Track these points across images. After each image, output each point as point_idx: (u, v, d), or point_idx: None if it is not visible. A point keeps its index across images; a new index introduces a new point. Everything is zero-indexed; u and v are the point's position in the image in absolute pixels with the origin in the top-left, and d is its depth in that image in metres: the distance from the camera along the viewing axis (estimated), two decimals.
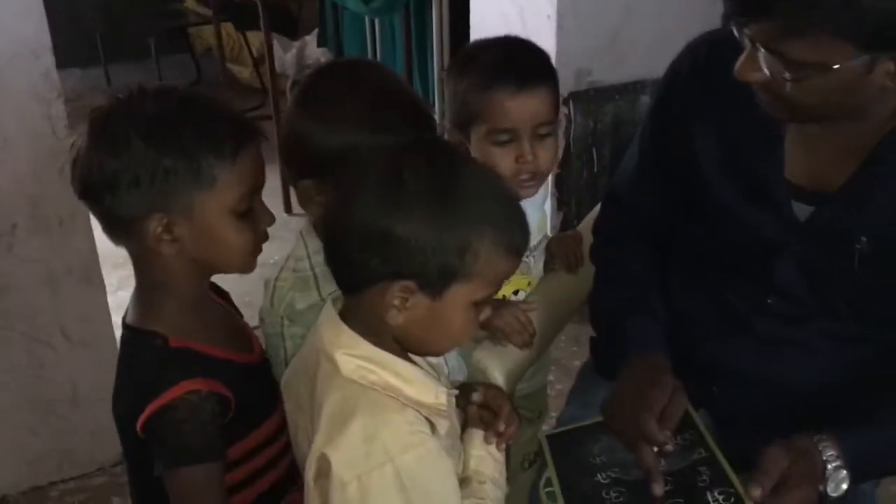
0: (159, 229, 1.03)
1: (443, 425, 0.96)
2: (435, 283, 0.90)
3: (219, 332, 1.13)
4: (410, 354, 1.01)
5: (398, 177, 0.89)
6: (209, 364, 1.07)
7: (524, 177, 1.37)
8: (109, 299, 2.14)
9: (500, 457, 1.07)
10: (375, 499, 0.90)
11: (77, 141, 1.04)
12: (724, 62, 1.08)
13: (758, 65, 1.01)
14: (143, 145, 0.99)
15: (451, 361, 1.31)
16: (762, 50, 0.99)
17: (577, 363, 1.65)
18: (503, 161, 1.34)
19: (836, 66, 0.95)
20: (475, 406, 1.09)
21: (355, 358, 0.95)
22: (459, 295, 0.92)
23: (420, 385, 0.97)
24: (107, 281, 2.12)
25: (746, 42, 1.01)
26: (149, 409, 1.02)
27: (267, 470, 1.15)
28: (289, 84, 4.73)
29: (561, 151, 2.56)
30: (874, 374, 1.22)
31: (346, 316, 0.98)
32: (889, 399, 1.16)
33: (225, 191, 1.03)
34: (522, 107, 1.32)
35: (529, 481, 1.24)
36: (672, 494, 1.06)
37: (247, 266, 1.12)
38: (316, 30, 4.63)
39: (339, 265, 0.96)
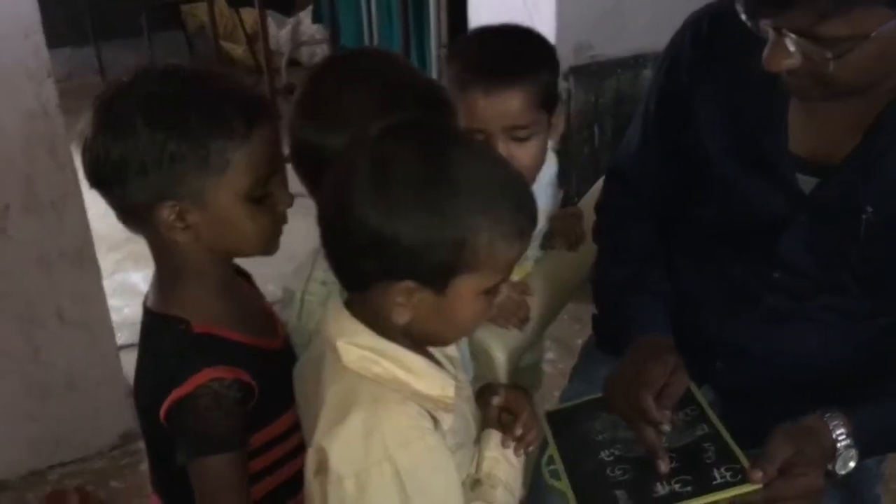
0: (171, 217, 0.99)
1: (446, 420, 0.93)
2: (435, 280, 0.86)
3: (243, 316, 1.09)
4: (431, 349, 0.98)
5: (383, 171, 0.84)
6: (233, 350, 1.04)
7: None
8: (105, 283, 2.12)
9: (517, 462, 1.03)
10: (373, 496, 0.87)
11: (83, 128, 1.00)
12: (726, 35, 1.06)
13: (788, 52, 0.98)
14: (148, 130, 0.95)
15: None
16: (791, 36, 0.96)
17: (579, 341, 1.64)
18: None
19: (874, 34, 0.93)
20: (496, 408, 1.06)
21: (358, 347, 0.92)
22: (466, 286, 0.87)
23: (427, 377, 0.93)
24: (102, 265, 2.10)
25: (769, 32, 0.98)
26: (171, 398, 0.99)
27: (289, 458, 1.12)
28: (283, 61, 4.70)
29: (562, 127, 2.53)
30: (880, 348, 1.22)
31: (352, 306, 0.94)
32: (893, 373, 1.15)
33: (237, 176, 0.99)
34: (490, 108, 1.29)
35: (532, 460, 1.22)
36: (678, 472, 1.05)
37: (268, 249, 1.08)
38: (311, 6, 4.58)
39: (336, 265, 0.92)
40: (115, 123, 0.97)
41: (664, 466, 1.06)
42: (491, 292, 0.90)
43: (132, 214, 1.02)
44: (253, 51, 4.72)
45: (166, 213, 0.99)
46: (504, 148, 1.30)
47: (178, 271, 1.05)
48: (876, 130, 1.07)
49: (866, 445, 1.07)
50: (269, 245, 1.08)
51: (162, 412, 1.01)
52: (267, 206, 1.03)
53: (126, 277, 2.94)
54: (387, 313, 0.89)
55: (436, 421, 0.92)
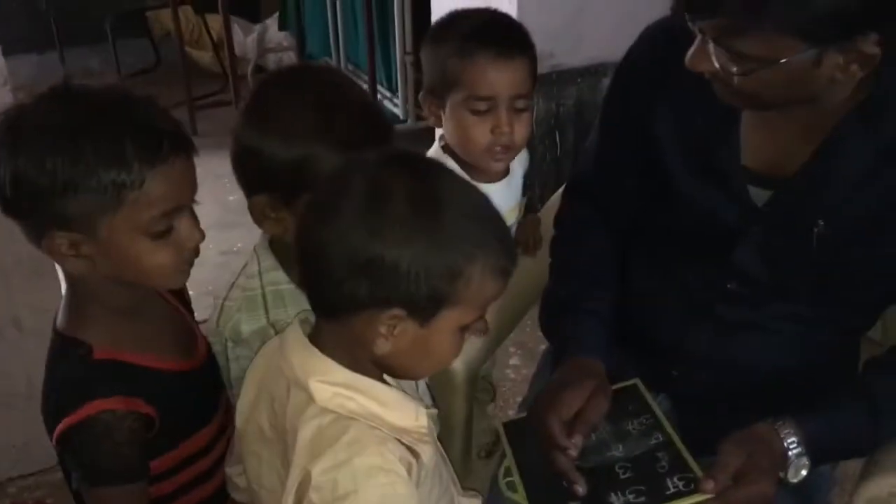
0: (63, 247, 0.95)
1: (426, 452, 0.93)
2: (424, 310, 0.86)
3: (152, 337, 1.06)
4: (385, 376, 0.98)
5: (383, 198, 0.84)
6: (135, 377, 1.01)
7: (498, 149, 1.35)
8: (64, 290, 2.09)
9: None
10: None
11: None
12: (680, 49, 1.08)
13: (707, 56, 1.00)
14: (43, 155, 0.90)
15: None
16: (712, 42, 0.99)
17: (543, 347, 1.64)
18: (479, 130, 1.33)
19: (783, 61, 0.95)
20: None
21: (331, 385, 0.90)
22: (448, 320, 0.88)
23: (400, 408, 0.93)
24: (60, 274, 2.07)
25: (698, 33, 1.01)
26: (62, 426, 0.97)
27: (199, 482, 1.10)
28: (250, 68, 4.67)
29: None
30: (832, 356, 1.24)
31: (318, 339, 0.93)
32: (847, 382, 1.17)
33: (134, 212, 0.93)
34: (503, 74, 1.30)
35: (489, 472, 1.22)
36: (632, 482, 1.06)
37: (172, 283, 1.04)
38: (277, 13, 4.57)
39: (318, 291, 0.90)
40: (13, 145, 0.92)
41: (581, 490, 1.05)
42: (465, 329, 0.91)
43: (31, 238, 0.98)
44: (219, 57, 4.68)
45: (58, 242, 0.95)
46: (507, 118, 1.32)
47: (83, 293, 1.02)
48: (829, 144, 1.08)
49: (818, 453, 1.08)
50: (171, 279, 1.03)
51: (54, 438, 0.98)
52: (171, 241, 0.99)
53: None
54: (367, 345, 0.88)
55: (416, 455, 0.91)
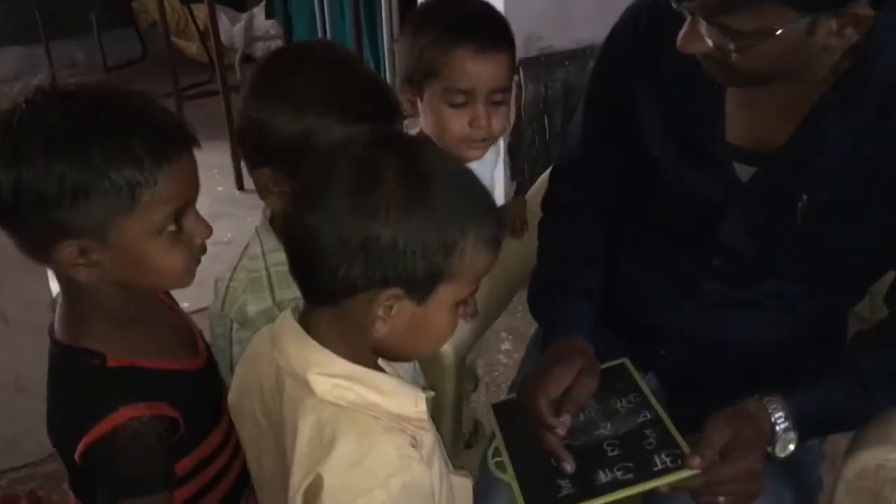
0: (73, 255, 0.91)
1: (427, 440, 0.93)
2: (422, 287, 0.86)
3: (159, 340, 1.04)
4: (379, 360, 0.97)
5: (374, 178, 0.83)
6: (152, 380, 0.98)
7: (474, 139, 1.35)
8: (52, 285, 2.09)
9: None
10: None
11: None
12: (664, 26, 1.07)
13: (700, 36, 0.99)
14: (47, 161, 0.86)
15: None
16: (703, 21, 0.98)
17: (534, 331, 1.65)
18: (456, 123, 1.32)
19: (779, 32, 0.94)
20: None
21: (330, 377, 0.89)
22: (444, 296, 0.88)
23: (399, 395, 0.92)
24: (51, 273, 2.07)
25: (686, 14, 1.00)
26: (86, 439, 0.92)
27: (219, 479, 1.08)
28: (237, 57, 4.65)
29: (513, 119, 2.54)
30: (819, 332, 1.24)
31: (312, 328, 0.92)
32: (833, 357, 1.17)
33: (147, 212, 0.91)
34: (482, 68, 1.30)
35: (479, 455, 1.23)
36: (620, 459, 1.06)
37: (182, 283, 1.00)
38: (263, 1, 4.54)
39: (310, 277, 0.88)
40: (10, 151, 0.87)
41: (569, 468, 1.05)
42: (460, 304, 0.91)
43: (32, 249, 0.93)
44: (206, 47, 4.66)
45: (67, 251, 0.91)
46: (485, 111, 1.32)
47: (87, 302, 0.98)
48: (810, 120, 1.08)
49: (805, 428, 1.08)
50: (183, 279, 1.00)
51: (77, 454, 0.94)
52: (181, 239, 0.96)
53: None
54: (363, 327, 0.88)
55: (416, 442, 0.91)
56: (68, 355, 0.98)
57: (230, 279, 1.16)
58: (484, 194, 0.92)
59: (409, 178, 0.84)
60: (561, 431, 1.07)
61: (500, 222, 0.91)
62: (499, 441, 1.15)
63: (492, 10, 1.40)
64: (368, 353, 0.93)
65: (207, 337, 1.18)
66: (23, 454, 2.14)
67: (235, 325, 1.14)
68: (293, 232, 0.89)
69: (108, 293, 0.96)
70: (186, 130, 0.96)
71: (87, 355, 0.96)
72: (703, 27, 0.98)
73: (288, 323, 0.94)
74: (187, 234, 0.97)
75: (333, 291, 0.87)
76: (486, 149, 1.39)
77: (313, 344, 0.90)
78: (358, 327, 0.88)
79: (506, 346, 2.51)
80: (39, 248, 0.92)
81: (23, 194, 0.87)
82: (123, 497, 0.94)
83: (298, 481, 0.87)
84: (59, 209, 0.87)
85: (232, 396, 1.03)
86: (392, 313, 0.87)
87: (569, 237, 1.35)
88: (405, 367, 1.05)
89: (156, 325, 1.05)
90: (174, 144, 0.93)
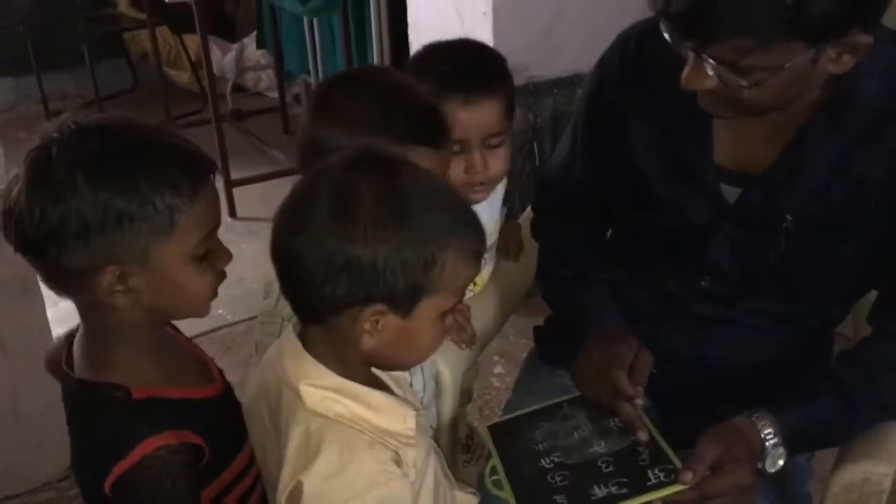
0: (113, 281, 0.94)
1: (409, 454, 0.95)
2: (404, 302, 0.89)
3: (178, 370, 1.06)
4: (377, 372, 1.01)
5: (352, 199, 0.87)
6: (177, 409, 1.00)
7: (474, 184, 1.36)
8: (49, 312, 2.10)
9: None
10: None
11: (12, 189, 0.92)
12: (653, 53, 1.11)
13: (706, 74, 1.01)
14: (91, 190, 0.89)
15: (428, 369, 1.32)
16: (710, 61, 0.99)
17: (525, 355, 1.67)
18: (454, 170, 1.31)
19: (787, 65, 0.97)
20: None
21: (320, 389, 0.93)
22: (428, 309, 0.91)
23: (388, 411, 0.96)
24: (45, 292, 2.08)
25: (688, 53, 1.02)
26: (116, 472, 0.94)
27: (246, 499, 1.10)
28: (228, 87, 4.69)
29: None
30: (806, 350, 1.27)
31: (308, 344, 0.96)
32: (820, 374, 1.20)
33: (185, 236, 0.95)
34: (472, 118, 1.30)
35: (477, 473, 1.25)
36: (615, 475, 1.09)
37: (203, 311, 1.04)
38: (254, 31, 4.59)
39: (300, 296, 0.93)
40: (52, 183, 0.90)
41: (643, 436, 1.11)
42: (446, 315, 0.94)
43: (66, 280, 0.96)
44: (198, 77, 4.70)
45: (108, 277, 0.94)
46: (480, 156, 1.33)
47: (111, 334, 1.00)
48: (796, 142, 1.12)
49: (794, 444, 1.11)
50: (204, 305, 1.04)
51: (107, 487, 0.95)
52: (209, 263, 1.00)
53: (70, 306, 2.90)
54: (353, 343, 0.91)
55: (399, 458, 0.94)
56: (92, 391, 0.99)
57: None
58: (463, 209, 0.94)
59: (386, 198, 0.87)
60: (640, 400, 1.14)
61: (480, 235, 0.94)
62: (495, 460, 1.18)
63: (482, 53, 1.41)
64: (361, 366, 0.96)
65: (256, 336, 1.21)
66: (18, 483, 2.15)
67: (284, 323, 1.15)
68: (281, 254, 0.92)
69: (133, 322, 0.99)
70: (210, 158, 1.01)
71: (112, 389, 0.98)
72: (708, 65, 1.00)
73: (289, 337, 0.98)
74: (212, 260, 1.01)
75: (322, 309, 0.91)
76: (487, 191, 1.40)
77: (308, 357, 0.95)
78: (348, 342, 0.92)
79: (498, 369, 2.54)
80: (74, 278, 0.94)
81: (67, 225, 0.90)
82: None
83: (284, 484, 0.91)
84: (102, 237, 0.91)
85: (246, 402, 1.07)
86: (378, 327, 0.90)
87: (569, 239, 1.40)
88: (404, 381, 1.08)
89: (172, 355, 1.07)
90: (205, 171, 0.98)
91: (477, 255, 0.93)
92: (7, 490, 2.14)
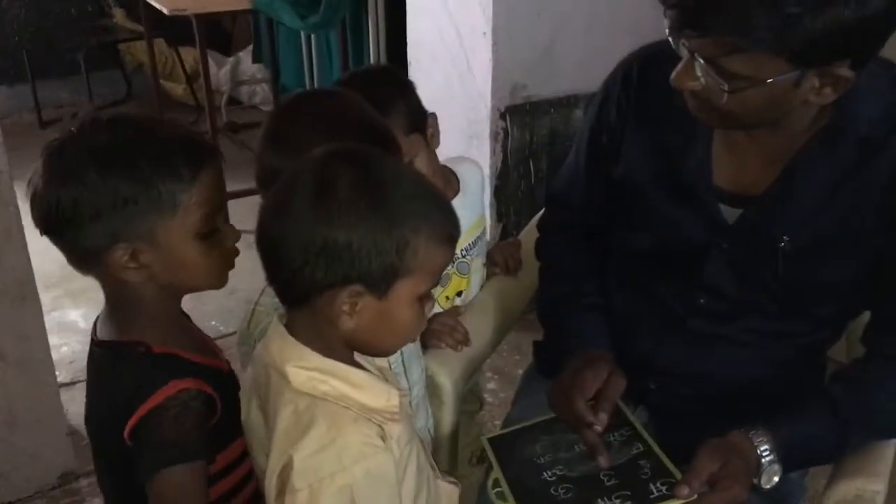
0: (125, 258, 1.04)
1: (395, 429, 0.99)
2: (380, 283, 0.93)
3: (193, 339, 1.16)
4: (359, 360, 1.04)
5: (330, 186, 0.92)
6: (193, 368, 1.08)
7: None
8: (46, 320, 2.10)
9: None
10: None
11: (33, 178, 1.04)
12: (654, 77, 1.14)
13: (694, 74, 1.06)
14: (101, 176, 1.00)
15: (415, 373, 1.34)
16: (700, 61, 1.04)
17: (520, 372, 1.70)
18: None
19: (769, 80, 1.01)
20: None
21: (305, 369, 0.97)
22: (404, 291, 0.95)
23: (371, 389, 1.00)
24: (42, 301, 2.07)
25: (684, 52, 1.06)
26: (139, 413, 1.02)
27: (244, 484, 1.16)
28: (223, 100, 4.71)
29: (499, 165, 2.62)
30: (800, 369, 1.30)
31: (293, 329, 1.00)
32: (814, 392, 1.22)
33: (187, 215, 1.05)
34: None
35: (479, 480, 1.27)
36: (617, 487, 1.11)
37: (219, 283, 1.14)
38: (251, 45, 4.61)
39: (282, 281, 0.97)
40: (66, 172, 1.01)
41: (604, 462, 1.15)
42: (423, 299, 0.98)
43: (84, 258, 1.06)
44: (192, 89, 4.71)
45: (119, 254, 1.03)
46: None
47: (133, 305, 1.10)
48: (793, 166, 1.15)
49: (789, 460, 1.14)
50: (219, 279, 1.13)
51: (127, 430, 1.03)
52: (216, 241, 1.09)
53: (64, 315, 2.92)
54: (332, 323, 0.95)
55: (385, 433, 0.97)
56: (114, 349, 1.10)
57: (256, 302, 1.23)
58: (436, 197, 0.99)
59: (361, 184, 0.92)
60: (599, 427, 1.16)
61: (453, 219, 0.98)
62: (497, 472, 1.19)
63: (370, 86, 1.36)
64: (343, 349, 1.00)
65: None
66: (11, 491, 2.14)
67: (259, 345, 1.18)
68: (264, 241, 0.97)
69: (152, 294, 1.09)
70: (212, 145, 1.12)
71: (134, 345, 1.07)
72: (698, 67, 1.05)
73: (274, 325, 1.03)
74: (220, 237, 1.10)
75: (303, 292, 0.95)
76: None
77: (292, 341, 0.99)
78: (329, 324, 0.96)
79: (491, 385, 2.55)
80: (92, 255, 1.05)
81: (81, 208, 1.01)
82: (168, 464, 1.02)
83: (274, 464, 0.95)
84: (112, 218, 1.01)
85: (241, 393, 1.10)
86: (357, 309, 0.94)
87: (568, 257, 1.44)
88: (383, 369, 1.12)
89: (187, 329, 1.18)
90: (204, 157, 1.07)
91: (450, 239, 0.98)
92: (2, 497, 2.13)
